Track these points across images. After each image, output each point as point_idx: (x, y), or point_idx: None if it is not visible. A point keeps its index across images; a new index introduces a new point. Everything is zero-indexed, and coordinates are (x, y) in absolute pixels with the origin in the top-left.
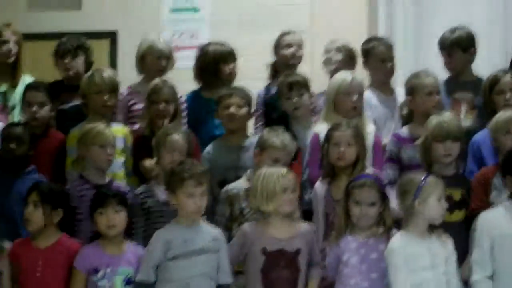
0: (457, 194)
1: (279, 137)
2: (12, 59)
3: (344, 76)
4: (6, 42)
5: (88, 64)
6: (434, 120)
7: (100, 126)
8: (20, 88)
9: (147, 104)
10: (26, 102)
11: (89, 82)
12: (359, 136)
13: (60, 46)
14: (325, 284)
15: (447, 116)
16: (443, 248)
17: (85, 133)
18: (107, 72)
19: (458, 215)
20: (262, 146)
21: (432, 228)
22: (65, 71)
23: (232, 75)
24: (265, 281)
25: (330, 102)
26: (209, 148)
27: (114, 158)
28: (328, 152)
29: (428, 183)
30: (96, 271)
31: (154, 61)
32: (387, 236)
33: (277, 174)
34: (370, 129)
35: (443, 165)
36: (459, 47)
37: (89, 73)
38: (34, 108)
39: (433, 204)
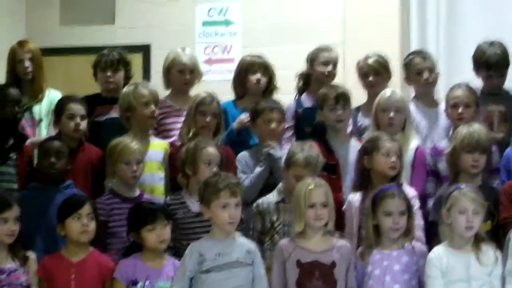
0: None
1: (303, 153)
2: (29, 76)
3: (384, 92)
4: (21, 61)
5: (127, 79)
6: (463, 130)
7: (125, 141)
8: (45, 102)
9: (192, 115)
10: (67, 114)
11: (135, 93)
12: (401, 149)
13: (102, 58)
14: None
15: (476, 127)
16: (485, 261)
17: (111, 149)
18: (150, 85)
19: (484, 227)
20: (287, 162)
21: (478, 240)
22: (105, 84)
23: (259, 85)
24: None
25: (372, 118)
26: (245, 154)
27: (143, 172)
28: (374, 162)
29: (452, 195)
30: (135, 283)
31: (177, 74)
32: (412, 248)
33: (305, 189)
34: (412, 145)
35: (469, 176)
36: (506, 65)
37: (129, 86)
38: (78, 120)
39: (455, 216)
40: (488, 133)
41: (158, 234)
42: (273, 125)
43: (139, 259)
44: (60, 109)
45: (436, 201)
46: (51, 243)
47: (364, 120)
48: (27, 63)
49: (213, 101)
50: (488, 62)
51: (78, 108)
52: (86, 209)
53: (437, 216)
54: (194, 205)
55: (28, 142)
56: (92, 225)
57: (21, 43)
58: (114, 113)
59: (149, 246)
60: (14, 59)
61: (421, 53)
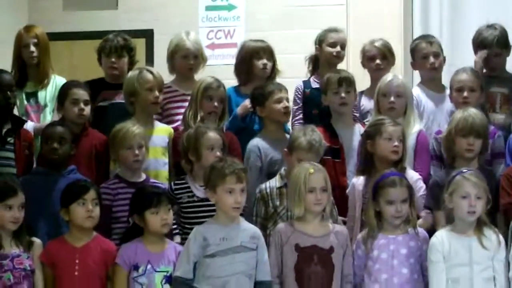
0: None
1: (306, 137)
2: (35, 61)
3: (385, 77)
4: (26, 45)
5: (131, 65)
6: (459, 114)
7: (126, 127)
8: (50, 88)
9: (199, 100)
10: (70, 99)
11: (139, 79)
12: (404, 134)
13: (106, 44)
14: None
15: (471, 111)
16: (488, 245)
17: (113, 134)
18: (154, 70)
19: None
20: (290, 146)
21: (481, 224)
22: (109, 69)
23: (265, 71)
24: (299, 277)
25: (374, 102)
26: (256, 141)
27: (147, 156)
28: (377, 146)
29: (455, 179)
30: (136, 267)
31: (181, 59)
32: (416, 232)
33: (304, 174)
34: (415, 129)
35: (465, 160)
36: (503, 45)
37: (134, 71)
38: (82, 105)
39: (457, 201)
40: (483, 117)
41: (161, 217)
42: (286, 103)
43: (140, 243)
44: (63, 94)
45: (431, 187)
46: (54, 227)
47: (367, 104)
48: (33, 48)
49: (220, 86)
50: (483, 41)
51: (81, 93)
52: (91, 194)
53: (432, 202)
54: (198, 191)
55: (30, 126)
56: (97, 211)
57: (27, 28)
58: (119, 99)
59: (152, 229)
60: (20, 44)
61: (427, 38)
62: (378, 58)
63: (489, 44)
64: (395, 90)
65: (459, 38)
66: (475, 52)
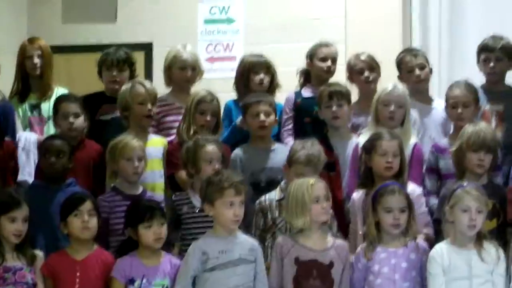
0: (488, 204)
1: (304, 151)
2: (38, 72)
3: (386, 86)
4: (30, 57)
5: (131, 79)
6: (470, 129)
7: (126, 139)
8: (53, 100)
9: (192, 113)
10: (61, 114)
11: (131, 92)
12: (402, 147)
13: (108, 57)
14: None
15: (482, 126)
16: (487, 259)
17: (113, 146)
18: (147, 83)
19: (489, 225)
20: (289, 160)
21: (481, 238)
22: (110, 83)
23: (262, 85)
24: None
25: (372, 111)
26: (237, 151)
27: (145, 169)
28: (373, 162)
29: (456, 192)
30: (132, 281)
31: (178, 71)
32: (416, 245)
33: (306, 185)
34: (411, 141)
35: (475, 175)
36: (506, 54)
37: (127, 84)
38: (71, 119)
39: (457, 214)
40: (494, 132)
41: (154, 232)
42: (262, 117)
43: (135, 257)
44: (55, 109)
45: (441, 199)
46: (52, 241)
47: (357, 119)
48: (37, 60)
49: (213, 100)
50: (486, 45)
51: (71, 107)
52: (87, 205)
53: (442, 214)
54: (198, 202)
55: (34, 139)
56: (93, 222)
57: (31, 40)
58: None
59: (145, 243)
60: (23, 55)
61: (411, 51)
62: (366, 70)
63: (492, 47)
64: (396, 99)
65: (458, 48)
66: (477, 59)
